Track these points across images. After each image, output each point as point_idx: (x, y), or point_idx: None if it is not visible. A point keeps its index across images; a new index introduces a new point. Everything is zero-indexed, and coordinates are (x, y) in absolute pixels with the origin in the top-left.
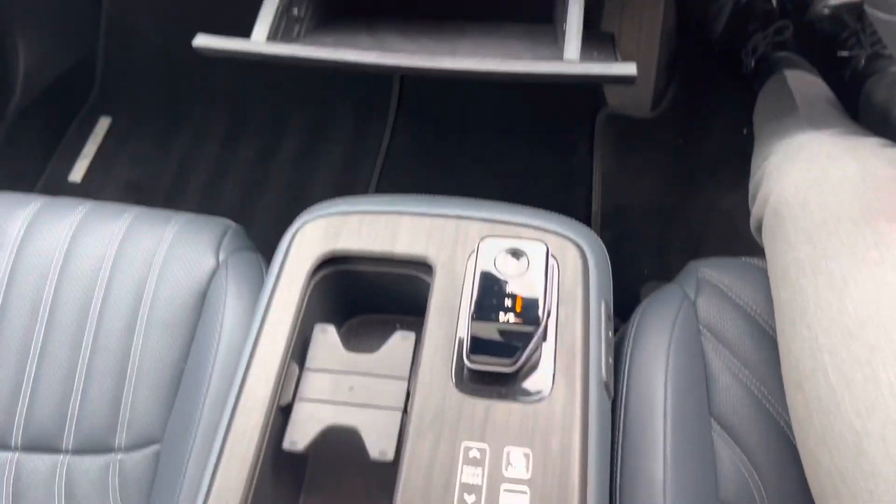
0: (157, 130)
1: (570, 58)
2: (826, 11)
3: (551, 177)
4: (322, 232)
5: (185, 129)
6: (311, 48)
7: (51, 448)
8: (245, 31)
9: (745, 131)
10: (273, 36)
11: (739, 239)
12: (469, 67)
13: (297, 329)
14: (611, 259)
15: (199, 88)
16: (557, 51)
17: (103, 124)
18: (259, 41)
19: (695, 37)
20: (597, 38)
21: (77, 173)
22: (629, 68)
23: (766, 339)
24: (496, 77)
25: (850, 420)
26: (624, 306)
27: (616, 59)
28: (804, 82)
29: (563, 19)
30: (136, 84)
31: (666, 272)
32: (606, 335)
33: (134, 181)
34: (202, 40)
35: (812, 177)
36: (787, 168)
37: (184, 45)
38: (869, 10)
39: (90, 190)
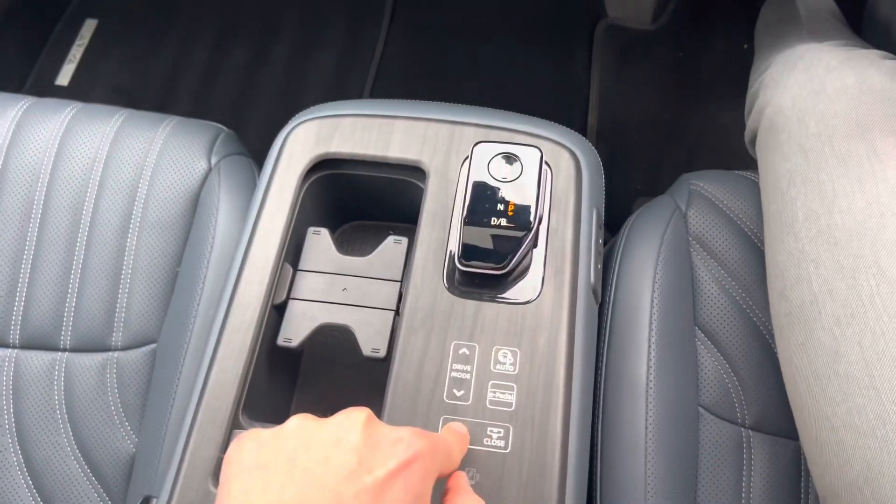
0: (146, 33)
1: None
2: None
3: (548, 88)
4: (315, 134)
5: (174, 32)
6: None
7: (49, 346)
8: None
9: (745, 46)
10: None
11: (734, 156)
12: None
13: (290, 231)
14: (604, 174)
15: None
16: None
17: (89, 26)
18: None
19: None
20: None
21: (64, 77)
22: None
23: (754, 250)
24: None
25: (830, 327)
26: (616, 221)
27: None
28: None
29: None
30: None
31: (658, 188)
32: (596, 241)
33: (122, 85)
34: None
35: (810, 87)
36: (784, 79)
37: None
38: None
39: (77, 94)
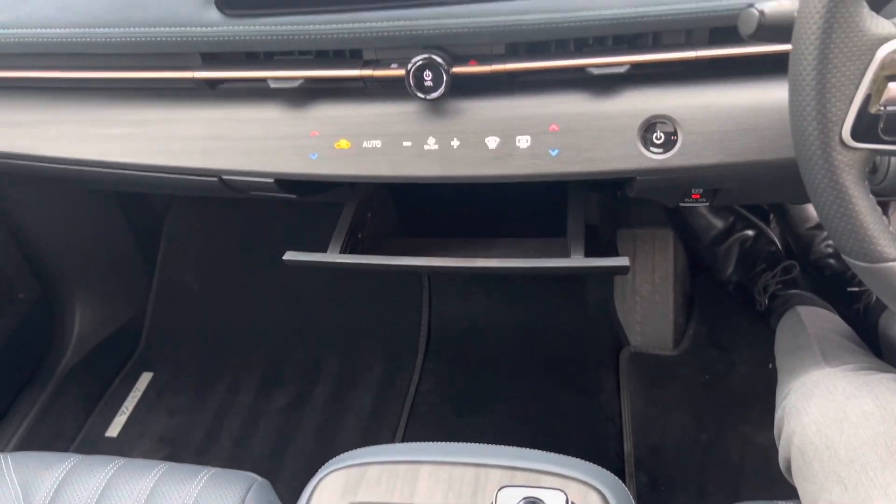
0: (195, 382)
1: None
2: (829, 250)
3: (580, 415)
4: (342, 484)
5: (222, 379)
6: (373, 256)
7: None
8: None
9: (770, 366)
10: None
11: (783, 481)
12: (494, 265)
13: None
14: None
15: (237, 338)
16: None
17: (145, 379)
18: (334, 254)
19: (708, 276)
20: (602, 248)
21: (114, 429)
22: (622, 261)
23: None
24: (513, 271)
25: None
26: None
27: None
28: (818, 318)
29: (573, 233)
30: (180, 339)
31: None
32: None
33: (167, 435)
34: (291, 255)
35: (832, 416)
36: (804, 407)
37: (226, 293)
38: (847, 259)
39: (124, 445)
